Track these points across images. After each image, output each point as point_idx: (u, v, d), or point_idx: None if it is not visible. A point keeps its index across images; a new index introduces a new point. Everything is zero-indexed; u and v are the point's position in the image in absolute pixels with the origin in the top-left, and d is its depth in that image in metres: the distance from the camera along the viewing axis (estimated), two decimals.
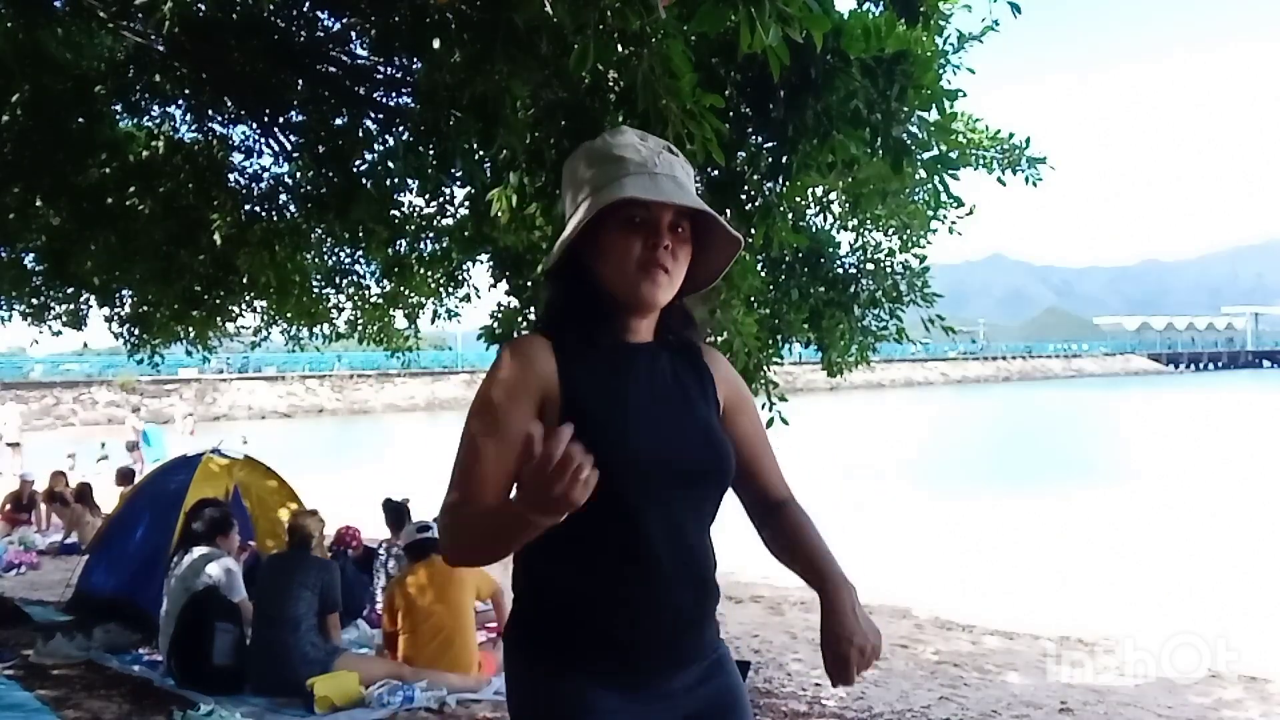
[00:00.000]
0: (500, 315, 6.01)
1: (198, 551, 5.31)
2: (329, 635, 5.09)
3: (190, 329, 8.48)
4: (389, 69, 5.67)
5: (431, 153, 5.42)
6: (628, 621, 1.51)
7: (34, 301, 8.72)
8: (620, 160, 1.56)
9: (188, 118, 6.72)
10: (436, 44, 4.09)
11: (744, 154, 4.07)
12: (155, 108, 6.65)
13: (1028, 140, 5.86)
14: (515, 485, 1.39)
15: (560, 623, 1.53)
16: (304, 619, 4.94)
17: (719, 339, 5.11)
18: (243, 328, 9.14)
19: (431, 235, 6.80)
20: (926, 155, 4.24)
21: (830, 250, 5.94)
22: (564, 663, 1.51)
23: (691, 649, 1.59)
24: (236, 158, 6.78)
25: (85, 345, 14.87)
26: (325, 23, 5.86)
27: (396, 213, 6.39)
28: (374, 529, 7.52)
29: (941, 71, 4.50)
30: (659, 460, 1.50)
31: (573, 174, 1.64)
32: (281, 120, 6.31)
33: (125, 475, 10.93)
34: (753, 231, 4.10)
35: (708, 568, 1.59)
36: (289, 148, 6.48)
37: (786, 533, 1.66)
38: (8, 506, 11.28)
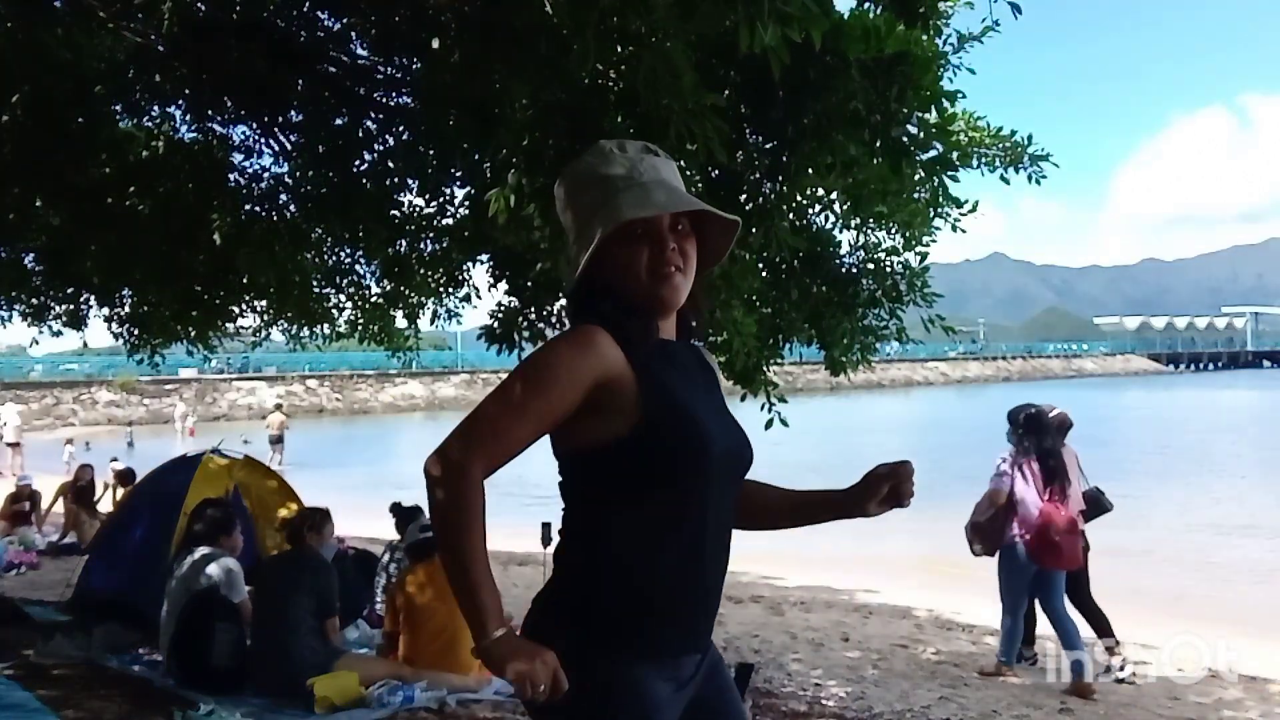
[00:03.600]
0: (500, 315, 6.02)
1: (200, 552, 5.31)
2: (328, 638, 5.08)
3: (190, 329, 8.46)
4: (389, 69, 5.66)
5: (431, 153, 5.41)
6: (687, 610, 1.61)
7: (34, 301, 8.69)
8: (606, 180, 1.63)
9: (188, 118, 6.70)
10: (436, 44, 4.09)
11: (743, 155, 4.06)
12: (155, 108, 6.62)
13: (1029, 137, 5.85)
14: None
15: (627, 603, 1.56)
16: (302, 622, 4.93)
17: (719, 339, 5.11)
18: (243, 328, 9.12)
19: (431, 235, 6.79)
20: (926, 156, 4.23)
21: (831, 250, 5.93)
22: (625, 645, 1.55)
23: (709, 633, 1.69)
24: (236, 158, 6.75)
25: (85, 345, 14.79)
26: (325, 23, 5.85)
27: (396, 213, 6.38)
28: (375, 529, 7.52)
29: (941, 72, 4.50)
30: (725, 449, 1.62)
31: (566, 203, 1.71)
32: (281, 120, 6.30)
33: (125, 476, 10.92)
34: (753, 232, 4.09)
35: (729, 552, 1.69)
36: (289, 148, 6.47)
37: (756, 494, 1.80)
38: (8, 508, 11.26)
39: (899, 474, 1.71)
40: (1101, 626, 5.96)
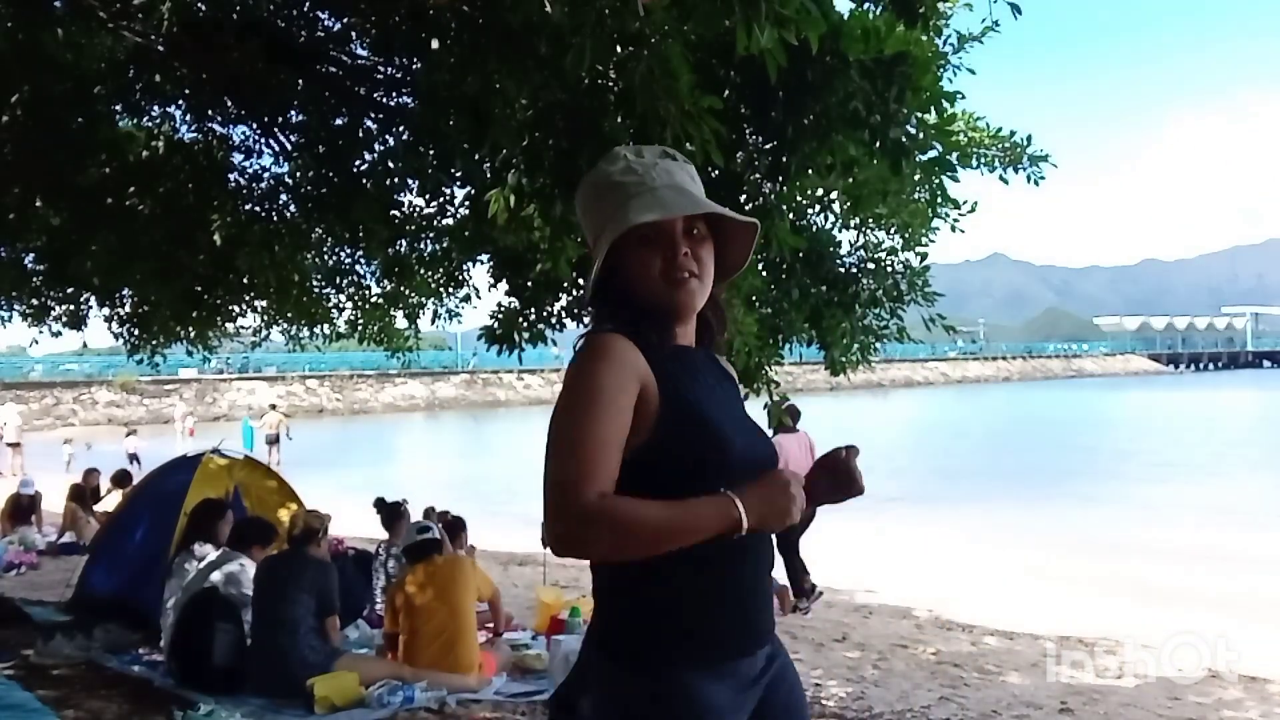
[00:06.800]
0: (500, 315, 6.02)
1: (214, 554, 5.34)
2: (328, 638, 5.08)
3: (190, 329, 8.47)
4: (389, 69, 5.66)
5: (431, 153, 5.41)
6: (732, 610, 1.57)
7: (34, 301, 8.70)
8: (620, 186, 1.63)
9: (188, 118, 6.71)
10: (435, 44, 4.09)
11: (743, 155, 4.06)
12: (155, 108, 6.63)
13: (1029, 138, 5.86)
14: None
15: (670, 617, 1.53)
16: (302, 621, 4.93)
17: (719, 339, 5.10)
18: (243, 328, 9.13)
19: (431, 235, 6.79)
20: (925, 157, 4.23)
21: (831, 250, 5.93)
22: (671, 654, 1.53)
23: (766, 633, 1.66)
24: (236, 158, 6.76)
25: (85, 345, 14.80)
26: (325, 23, 5.85)
27: (396, 213, 6.38)
28: (374, 529, 7.51)
29: (941, 73, 4.50)
30: (747, 455, 1.59)
31: (584, 211, 1.72)
32: (281, 120, 6.30)
33: (122, 477, 10.92)
34: None
35: (771, 552, 1.69)
36: (289, 148, 6.47)
37: None
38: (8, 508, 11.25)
39: (836, 464, 1.63)
40: (798, 585, 7.52)
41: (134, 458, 18.21)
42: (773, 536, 1.67)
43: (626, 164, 1.65)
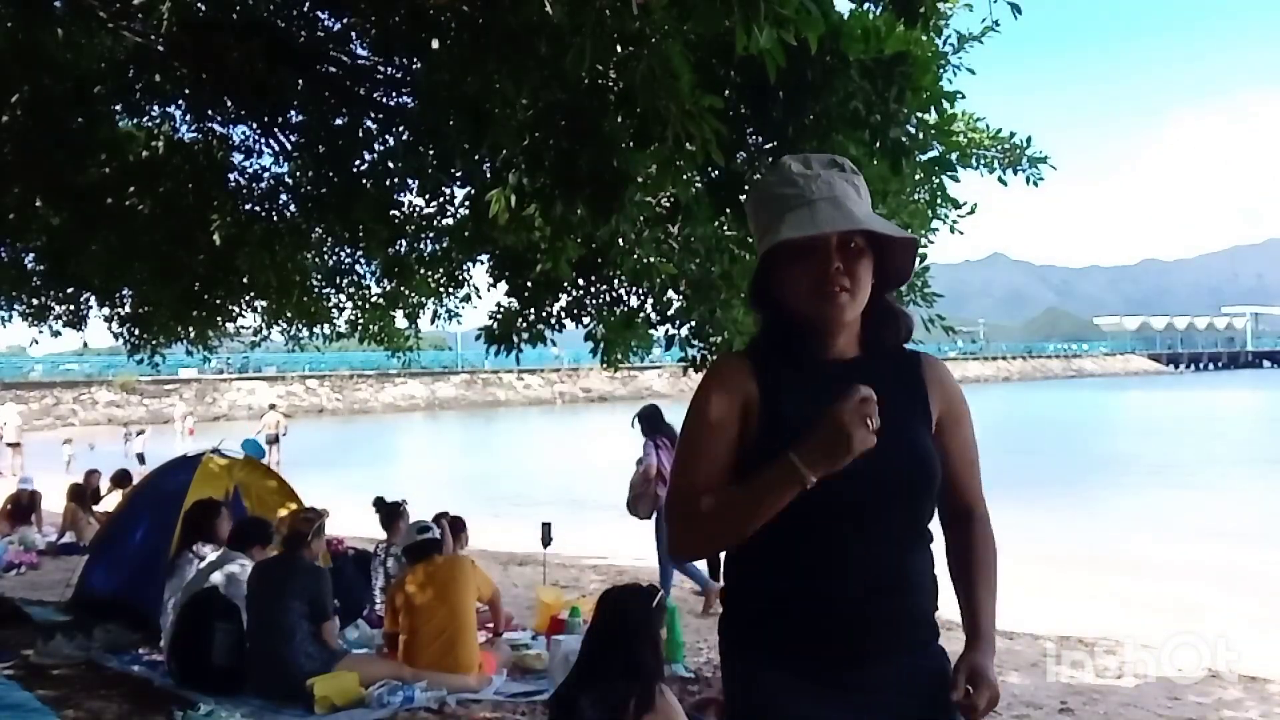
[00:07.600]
0: (500, 315, 6.02)
1: (214, 554, 5.33)
2: (325, 643, 5.03)
3: (190, 329, 8.48)
4: (389, 69, 5.67)
5: (431, 153, 5.42)
6: (816, 618, 1.62)
7: (34, 301, 8.71)
8: (779, 199, 1.66)
9: (188, 118, 6.71)
10: (435, 44, 4.09)
11: (743, 155, 4.07)
12: (155, 108, 6.64)
13: (1028, 139, 5.86)
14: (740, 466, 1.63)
15: (759, 619, 1.67)
16: (296, 629, 4.89)
17: (719, 339, 5.11)
18: (243, 328, 9.14)
19: (431, 235, 6.80)
20: (925, 156, 4.23)
21: None
22: (761, 655, 1.65)
23: (870, 649, 1.63)
24: (236, 158, 6.77)
25: (85, 345, 14.82)
26: (325, 23, 5.86)
27: (396, 213, 6.39)
28: (374, 529, 7.51)
29: (941, 73, 4.50)
30: (851, 472, 1.52)
31: (752, 217, 1.79)
32: (281, 120, 6.30)
33: (122, 477, 10.92)
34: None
35: (907, 573, 1.67)
36: (289, 148, 6.47)
37: (959, 554, 1.81)
38: (8, 508, 11.25)
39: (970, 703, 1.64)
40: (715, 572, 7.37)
41: (141, 457, 18.26)
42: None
43: (789, 175, 1.67)
